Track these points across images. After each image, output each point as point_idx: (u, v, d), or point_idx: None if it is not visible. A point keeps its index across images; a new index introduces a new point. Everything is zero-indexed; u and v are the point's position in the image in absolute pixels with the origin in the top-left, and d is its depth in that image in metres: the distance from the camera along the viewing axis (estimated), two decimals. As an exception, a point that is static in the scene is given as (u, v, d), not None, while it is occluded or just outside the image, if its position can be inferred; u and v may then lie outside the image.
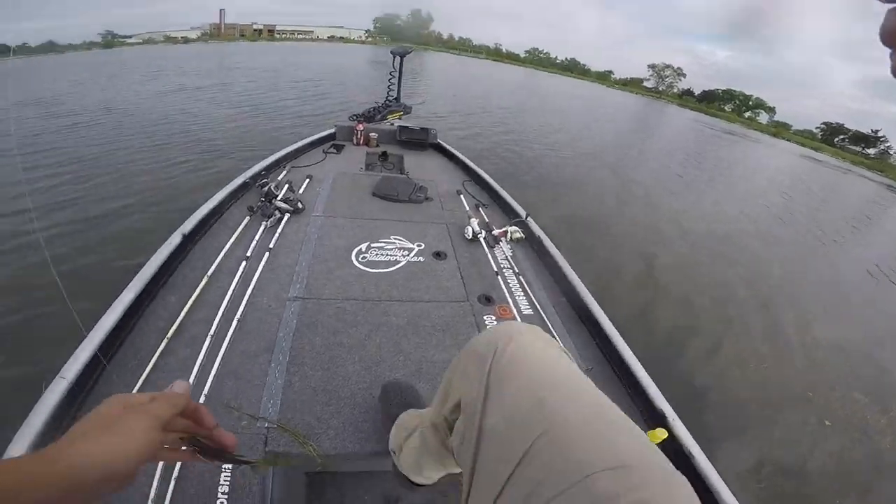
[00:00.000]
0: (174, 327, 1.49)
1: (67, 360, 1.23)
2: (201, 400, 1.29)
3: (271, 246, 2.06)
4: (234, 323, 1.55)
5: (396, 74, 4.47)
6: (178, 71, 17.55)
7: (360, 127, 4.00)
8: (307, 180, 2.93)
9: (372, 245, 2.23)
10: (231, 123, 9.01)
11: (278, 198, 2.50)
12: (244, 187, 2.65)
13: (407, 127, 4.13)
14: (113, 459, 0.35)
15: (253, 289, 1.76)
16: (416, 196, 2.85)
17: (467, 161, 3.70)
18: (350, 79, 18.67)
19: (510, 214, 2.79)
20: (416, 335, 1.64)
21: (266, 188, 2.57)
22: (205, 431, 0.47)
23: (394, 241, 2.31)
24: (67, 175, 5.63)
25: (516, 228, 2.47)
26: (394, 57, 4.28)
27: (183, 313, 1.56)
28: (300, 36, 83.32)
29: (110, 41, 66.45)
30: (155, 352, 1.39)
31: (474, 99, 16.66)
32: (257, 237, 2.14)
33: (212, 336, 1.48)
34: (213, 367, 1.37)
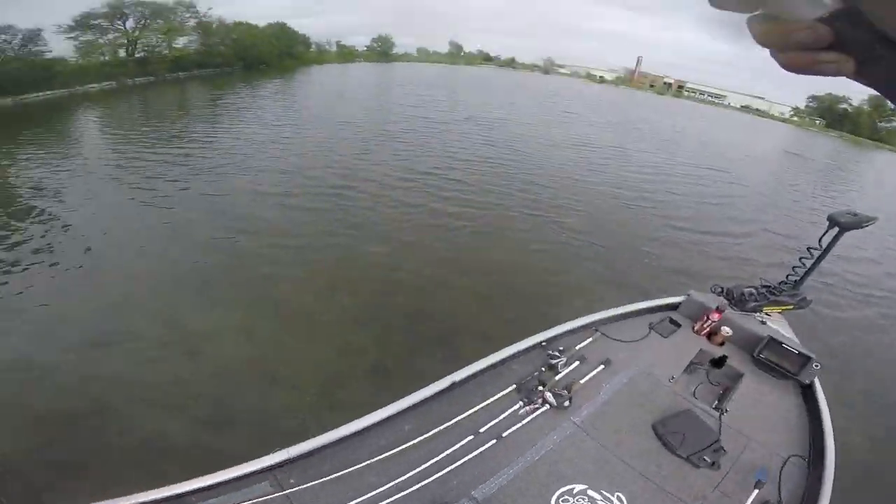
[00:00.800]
0: (383, 456, 1.88)
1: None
2: None
3: (504, 435, 2.13)
4: (420, 484, 1.81)
5: (818, 251, 3.17)
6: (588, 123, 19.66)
7: (716, 316, 3.09)
8: (601, 366, 2.63)
9: (588, 492, 2.02)
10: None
11: (558, 376, 2.45)
12: (537, 346, 2.64)
13: (781, 345, 2.96)
14: None
15: (458, 466, 1.94)
16: (700, 458, 2.27)
17: (829, 440, 2.49)
18: (767, 179, 15.44)
19: None
20: None
21: (555, 361, 2.49)
22: None
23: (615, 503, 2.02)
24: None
25: None
26: (829, 225, 3.02)
27: (393, 451, 1.91)
28: (710, 98, 79.56)
29: (548, 67, 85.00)
30: (350, 466, 1.80)
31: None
32: (502, 416, 2.22)
33: (400, 480, 1.79)
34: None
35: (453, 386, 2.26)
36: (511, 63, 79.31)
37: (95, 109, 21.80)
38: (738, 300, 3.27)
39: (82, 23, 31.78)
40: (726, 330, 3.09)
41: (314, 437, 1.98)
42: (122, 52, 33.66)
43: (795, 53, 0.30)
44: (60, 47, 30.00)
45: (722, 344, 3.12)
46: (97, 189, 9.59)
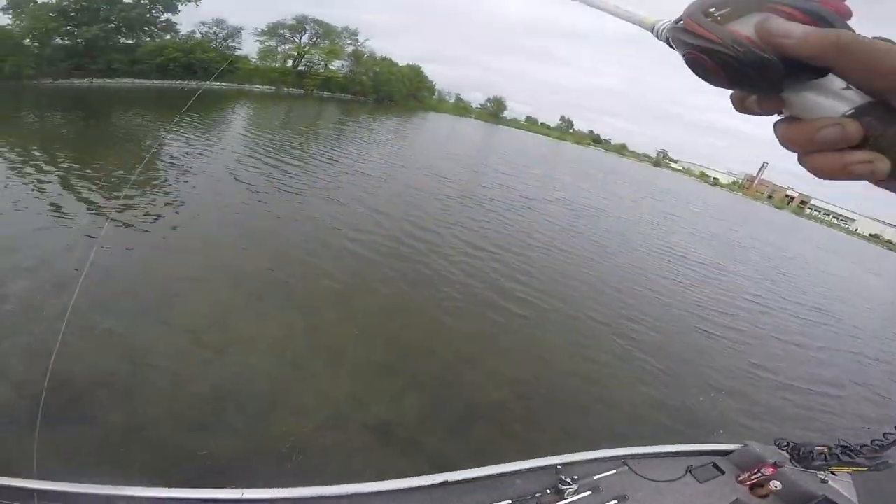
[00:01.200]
0: None
1: None
2: None
3: None
4: None
5: None
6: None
7: (770, 471, 2.88)
8: (614, 502, 2.40)
9: None
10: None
11: (561, 502, 2.26)
12: (550, 468, 2.41)
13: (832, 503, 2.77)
14: None
15: None
16: None
17: None
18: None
19: None
20: None
21: (564, 487, 2.32)
22: None
23: None
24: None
25: None
26: None
27: None
28: (835, 220, 69.40)
29: (659, 160, 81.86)
30: None
31: None
32: None
33: None
34: None
35: (445, 484, 2.16)
36: (621, 149, 78.13)
37: (248, 108, 25.72)
38: (802, 457, 2.97)
39: (272, 29, 38.97)
40: (775, 484, 2.83)
41: (278, 486, 1.86)
42: (289, 63, 40.38)
43: (822, 156, 0.27)
44: (247, 48, 36.78)
45: (765, 497, 2.84)
46: (195, 182, 10.64)
